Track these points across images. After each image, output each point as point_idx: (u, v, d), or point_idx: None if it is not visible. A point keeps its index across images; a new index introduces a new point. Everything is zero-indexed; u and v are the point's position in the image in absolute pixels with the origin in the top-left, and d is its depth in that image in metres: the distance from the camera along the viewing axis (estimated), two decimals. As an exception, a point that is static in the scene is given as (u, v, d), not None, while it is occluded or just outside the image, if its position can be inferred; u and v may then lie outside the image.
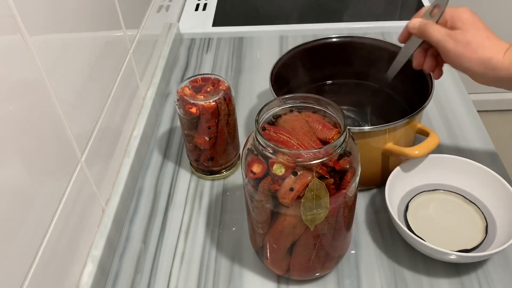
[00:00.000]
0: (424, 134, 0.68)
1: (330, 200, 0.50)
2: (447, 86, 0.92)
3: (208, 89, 0.69)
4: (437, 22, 0.60)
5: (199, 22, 1.15)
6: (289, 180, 0.49)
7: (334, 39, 0.80)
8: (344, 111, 0.53)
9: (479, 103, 2.04)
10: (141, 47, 0.84)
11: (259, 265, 0.64)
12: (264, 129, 0.53)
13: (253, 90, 0.94)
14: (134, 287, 0.63)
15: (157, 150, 0.83)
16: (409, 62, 0.66)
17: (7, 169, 0.44)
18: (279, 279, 0.62)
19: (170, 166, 0.79)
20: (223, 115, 0.69)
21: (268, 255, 0.59)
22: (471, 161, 0.68)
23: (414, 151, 0.64)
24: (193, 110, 0.67)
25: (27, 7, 0.47)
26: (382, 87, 0.80)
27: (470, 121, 0.84)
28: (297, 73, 0.80)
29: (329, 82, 0.83)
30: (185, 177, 0.78)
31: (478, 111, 0.86)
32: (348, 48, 0.80)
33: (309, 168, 0.49)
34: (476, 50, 0.56)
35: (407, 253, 0.64)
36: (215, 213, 0.71)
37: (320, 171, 0.49)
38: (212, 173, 0.76)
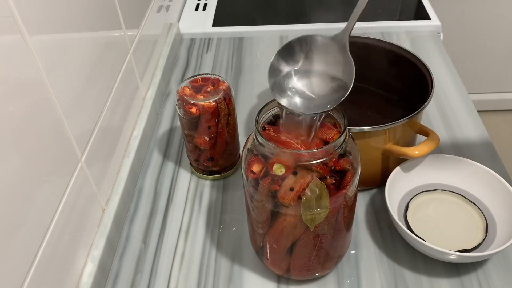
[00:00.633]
0: (424, 134, 0.68)
1: (330, 200, 0.50)
2: (447, 86, 0.92)
3: (208, 89, 0.69)
4: None
5: (199, 22, 1.15)
6: (289, 180, 0.49)
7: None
8: (343, 111, 0.53)
9: (479, 103, 2.04)
10: (141, 47, 0.84)
11: (259, 265, 0.64)
12: (264, 129, 0.53)
13: (253, 90, 0.94)
14: (134, 287, 0.63)
15: (157, 150, 0.83)
16: (407, 61, 0.66)
17: (7, 169, 0.44)
18: (279, 279, 0.62)
19: (170, 166, 0.79)
20: (223, 115, 0.69)
21: (268, 255, 0.59)
22: (471, 161, 0.68)
23: (414, 151, 0.64)
24: (193, 110, 0.67)
25: (27, 7, 0.47)
26: (382, 87, 0.80)
27: (470, 121, 0.84)
28: None
29: None
30: (185, 177, 0.78)
31: (478, 111, 0.86)
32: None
33: (309, 168, 0.49)
34: None
35: (407, 253, 0.64)
36: (215, 213, 0.71)
37: (320, 171, 0.49)
38: (212, 173, 0.76)
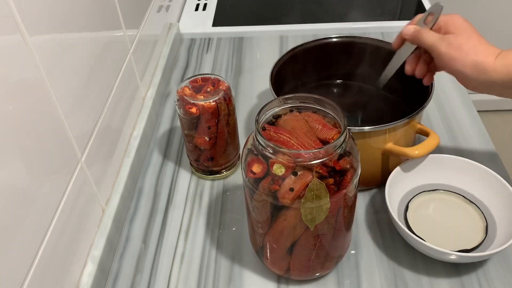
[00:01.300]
0: (424, 134, 0.68)
1: (330, 200, 0.50)
2: (447, 86, 0.92)
3: (208, 89, 0.69)
4: (431, 28, 0.62)
5: (199, 22, 1.15)
6: (289, 180, 0.49)
7: (334, 39, 0.80)
8: (344, 111, 0.53)
9: (479, 103, 2.03)
10: (141, 47, 0.84)
11: (259, 265, 0.64)
12: (264, 129, 0.53)
13: (253, 90, 0.94)
14: (134, 287, 0.63)
15: (157, 150, 0.83)
16: (403, 65, 0.67)
17: (7, 169, 0.44)
18: (279, 279, 0.62)
19: (170, 166, 0.79)
20: (223, 115, 0.69)
21: (268, 255, 0.59)
22: (471, 161, 0.68)
23: (414, 151, 0.64)
24: (193, 110, 0.67)
25: (27, 7, 0.47)
26: (382, 87, 0.80)
27: (470, 121, 0.84)
28: (297, 73, 0.80)
29: (329, 82, 0.83)
30: (185, 177, 0.78)
31: (478, 111, 0.86)
32: (348, 48, 0.80)
33: (309, 168, 0.49)
34: (468, 53, 0.57)
35: (407, 253, 0.64)
36: (215, 213, 0.71)
37: (320, 171, 0.49)
38: (212, 173, 0.76)
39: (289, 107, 0.55)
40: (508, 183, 0.65)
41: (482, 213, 0.65)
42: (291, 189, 0.49)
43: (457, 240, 0.62)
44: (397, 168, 0.67)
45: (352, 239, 0.65)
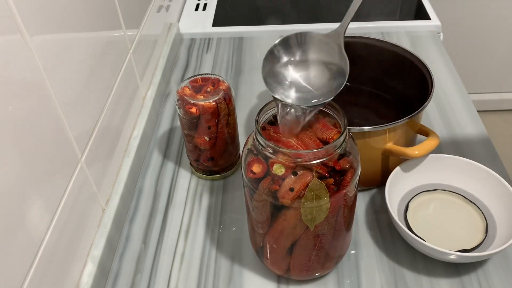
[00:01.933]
0: (424, 134, 0.68)
1: (330, 200, 0.50)
2: (447, 86, 0.92)
3: (208, 89, 0.69)
4: None
5: (199, 22, 1.15)
6: (289, 180, 0.49)
7: None
8: (343, 111, 0.53)
9: (479, 103, 2.04)
10: (141, 47, 0.84)
11: (259, 265, 0.64)
12: (264, 129, 0.53)
13: (253, 90, 0.94)
14: (134, 287, 0.63)
15: (157, 150, 0.83)
16: (407, 61, 0.66)
17: (7, 169, 0.44)
18: (279, 279, 0.62)
19: (170, 166, 0.79)
20: (223, 115, 0.69)
21: (268, 255, 0.59)
22: (471, 161, 0.68)
23: (414, 151, 0.64)
24: (193, 110, 0.67)
25: (27, 7, 0.47)
26: (382, 87, 0.80)
27: (470, 121, 0.84)
28: None
29: None
30: (185, 177, 0.78)
31: (478, 111, 0.86)
32: (348, 47, 0.80)
33: (309, 168, 0.49)
34: None
35: (407, 253, 0.64)
36: (215, 213, 0.71)
37: (320, 171, 0.49)
38: (212, 173, 0.76)
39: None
40: (508, 183, 0.65)
41: (482, 213, 0.65)
42: (291, 189, 0.49)
43: (457, 240, 0.62)
44: (397, 168, 0.67)
45: (352, 239, 0.65)
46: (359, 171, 0.53)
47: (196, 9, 1.20)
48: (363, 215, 0.70)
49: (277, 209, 0.52)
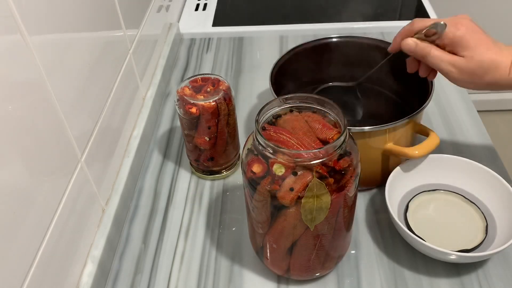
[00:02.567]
0: (424, 134, 0.68)
1: (330, 200, 0.50)
2: (447, 86, 0.92)
3: (208, 89, 0.69)
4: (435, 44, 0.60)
5: (199, 22, 1.15)
6: (289, 180, 0.49)
7: (335, 39, 0.80)
8: (343, 111, 0.53)
9: (479, 103, 2.04)
10: (141, 47, 0.84)
11: (259, 265, 0.64)
12: (264, 129, 0.53)
13: (253, 90, 0.94)
14: (134, 287, 0.63)
15: (157, 150, 0.83)
16: (404, 65, 0.67)
17: (7, 169, 0.44)
18: (279, 279, 0.62)
19: (170, 166, 0.79)
20: (223, 115, 0.69)
21: (268, 255, 0.59)
22: (471, 161, 0.68)
23: (414, 151, 0.64)
24: (193, 110, 0.67)
25: (27, 7, 0.47)
26: (382, 87, 0.80)
27: (470, 121, 0.84)
28: (297, 73, 0.80)
29: (329, 82, 0.83)
30: (185, 177, 0.78)
31: (478, 111, 0.86)
32: (348, 47, 0.80)
33: (309, 168, 0.49)
34: (483, 76, 0.56)
35: (407, 253, 0.64)
36: (215, 213, 0.71)
37: (320, 171, 0.49)
38: (212, 173, 0.76)
39: (289, 107, 0.55)
40: (508, 183, 0.65)
41: (482, 213, 0.65)
42: (291, 189, 0.49)
43: (457, 240, 0.62)
44: (397, 168, 0.67)
45: (352, 239, 0.65)
46: (359, 171, 0.53)
47: (196, 9, 1.20)
48: (363, 215, 0.70)
49: (277, 209, 0.52)
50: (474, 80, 0.56)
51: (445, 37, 0.58)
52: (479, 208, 0.66)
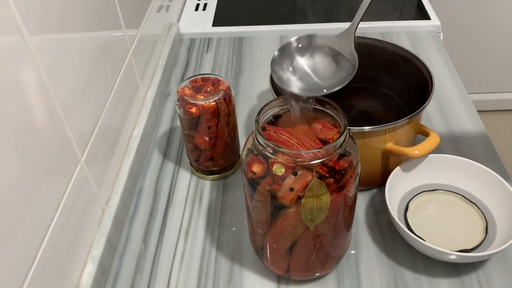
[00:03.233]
0: (424, 134, 0.68)
1: (330, 200, 0.50)
2: (447, 86, 0.92)
3: (208, 89, 0.69)
4: None
5: (199, 22, 1.15)
6: (289, 180, 0.49)
7: None
8: (343, 111, 0.53)
9: (479, 103, 2.04)
10: (141, 47, 0.84)
11: (259, 265, 0.64)
12: (264, 129, 0.53)
13: (253, 90, 0.94)
14: (134, 287, 0.63)
15: (157, 150, 0.83)
16: (407, 60, 0.66)
17: (7, 169, 0.44)
18: (279, 279, 0.62)
19: (170, 166, 0.79)
20: (223, 115, 0.69)
21: (268, 255, 0.59)
22: (471, 161, 0.68)
23: (414, 151, 0.64)
24: (193, 110, 0.67)
25: (27, 7, 0.47)
26: (382, 87, 0.80)
27: (470, 121, 0.84)
28: None
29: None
30: (185, 177, 0.78)
31: (478, 111, 0.86)
32: None
33: (309, 168, 0.49)
34: None
35: (407, 253, 0.64)
36: (215, 213, 0.71)
37: (320, 171, 0.49)
38: (212, 173, 0.76)
39: (289, 107, 0.55)
40: (508, 183, 0.65)
41: (482, 213, 0.65)
42: (291, 189, 0.49)
43: (457, 240, 0.62)
44: (397, 168, 0.67)
45: (352, 239, 0.65)
46: (359, 171, 0.53)
47: (196, 9, 1.20)
48: (363, 215, 0.70)
49: (277, 209, 0.52)
50: None
51: None
52: (479, 208, 0.66)
